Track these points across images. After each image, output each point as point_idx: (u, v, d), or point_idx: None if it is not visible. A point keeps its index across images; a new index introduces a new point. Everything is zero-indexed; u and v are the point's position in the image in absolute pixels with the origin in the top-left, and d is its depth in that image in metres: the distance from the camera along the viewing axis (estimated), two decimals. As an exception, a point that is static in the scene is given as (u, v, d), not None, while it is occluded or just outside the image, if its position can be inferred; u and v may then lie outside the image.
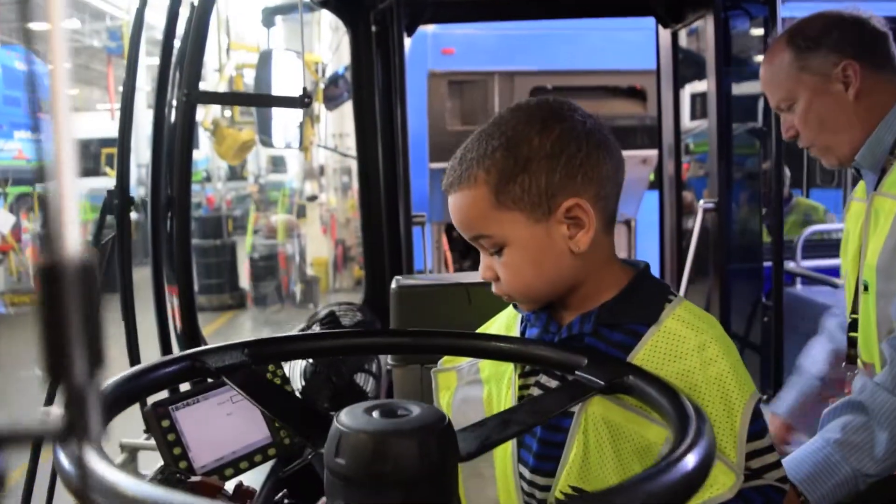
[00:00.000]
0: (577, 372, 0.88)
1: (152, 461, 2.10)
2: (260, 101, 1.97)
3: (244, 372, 0.88)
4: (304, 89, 1.53)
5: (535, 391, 1.00)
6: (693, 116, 6.11)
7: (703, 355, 0.89)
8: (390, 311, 1.36)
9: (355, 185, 11.39)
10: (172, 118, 1.70)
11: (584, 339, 0.96)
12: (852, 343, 1.51)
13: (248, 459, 1.24)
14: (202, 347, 0.91)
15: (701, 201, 2.56)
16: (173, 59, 1.67)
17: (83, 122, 15.07)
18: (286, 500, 1.28)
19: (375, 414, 0.75)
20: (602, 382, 0.85)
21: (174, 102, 1.66)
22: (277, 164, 20.35)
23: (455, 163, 0.95)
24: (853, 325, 1.50)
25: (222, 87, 7.96)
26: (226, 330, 8.76)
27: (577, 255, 0.92)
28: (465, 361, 1.08)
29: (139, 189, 11.02)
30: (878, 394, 1.15)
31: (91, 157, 15.16)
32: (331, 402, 1.70)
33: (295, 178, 15.97)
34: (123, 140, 1.57)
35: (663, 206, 3.78)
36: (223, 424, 1.25)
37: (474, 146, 0.93)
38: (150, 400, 1.17)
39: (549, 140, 0.90)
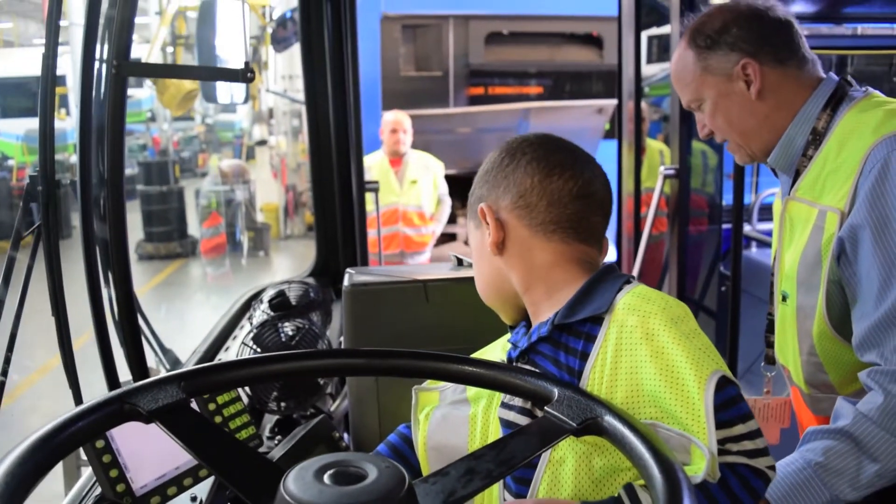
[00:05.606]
0: (546, 408, 0.82)
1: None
2: (198, 73, 1.82)
3: (181, 415, 0.80)
4: (247, 63, 1.40)
5: (514, 415, 0.98)
6: (650, 60, 6.01)
7: (653, 345, 0.86)
8: (343, 310, 1.27)
9: (306, 127, 11.10)
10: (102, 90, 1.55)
11: (538, 345, 0.97)
12: (769, 344, 1.48)
13: (192, 475, 1.16)
14: (131, 386, 0.81)
15: (661, 167, 2.50)
16: (101, 22, 1.51)
17: (18, 58, 14.34)
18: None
19: (328, 479, 0.68)
20: (574, 424, 0.79)
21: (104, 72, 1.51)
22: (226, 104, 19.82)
23: None
24: (771, 326, 1.46)
25: (163, 32, 7.57)
26: (175, 278, 8.58)
27: (501, 256, 1.02)
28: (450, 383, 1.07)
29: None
30: (866, 425, 1.12)
31: (30, 96, 14.51)
32: (279, 397, 1.61)
33: (245, 118, 15.53)
34: (45, 117, 1.43)
35: (621, 159, 3.69)
36: (164, 437, 1.15)
37: None
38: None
39: (488, 160, 1.06)
